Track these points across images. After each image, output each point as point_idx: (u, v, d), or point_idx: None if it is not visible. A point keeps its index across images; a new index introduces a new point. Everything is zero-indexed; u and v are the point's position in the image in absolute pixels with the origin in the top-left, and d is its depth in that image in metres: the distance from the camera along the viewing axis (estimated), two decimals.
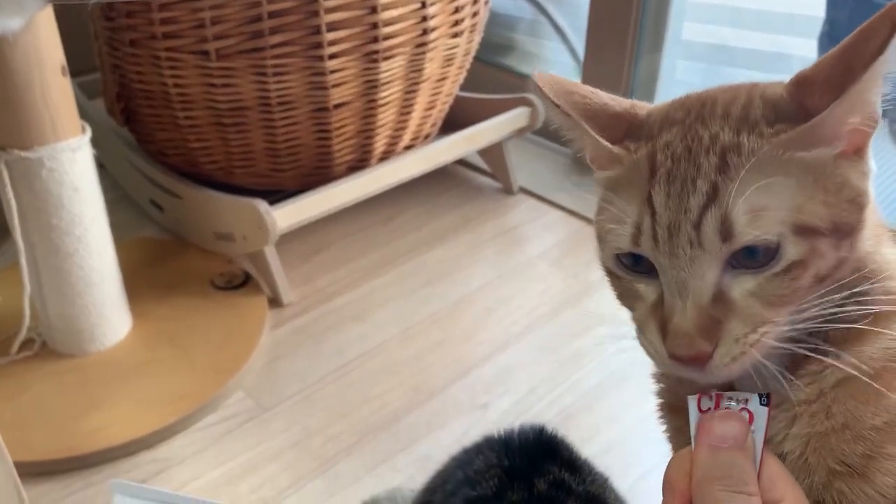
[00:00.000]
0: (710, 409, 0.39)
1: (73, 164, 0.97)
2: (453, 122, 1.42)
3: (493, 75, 1.70)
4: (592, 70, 1.53)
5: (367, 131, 1.24)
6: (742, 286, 0.37)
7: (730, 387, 0.41)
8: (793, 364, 0.40)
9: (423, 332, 1.18)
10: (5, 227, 1.00)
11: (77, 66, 0.97)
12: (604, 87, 0.46)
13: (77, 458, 0.94)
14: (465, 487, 0.55)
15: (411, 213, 1.46)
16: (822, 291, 0.38)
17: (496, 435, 0.60)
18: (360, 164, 1.28)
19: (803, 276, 0.37)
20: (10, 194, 0.95)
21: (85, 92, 1.43)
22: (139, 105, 1.24)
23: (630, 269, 0.41)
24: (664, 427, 0.47)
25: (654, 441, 1.10)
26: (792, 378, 0.39)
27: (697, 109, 0.40)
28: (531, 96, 1.43)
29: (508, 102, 1.44)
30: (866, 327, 0.39)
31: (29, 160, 0.94)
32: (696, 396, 0.40)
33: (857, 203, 0.38)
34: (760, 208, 0.36)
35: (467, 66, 1.37)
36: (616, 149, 0.42)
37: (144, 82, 1.18)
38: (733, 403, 0.39)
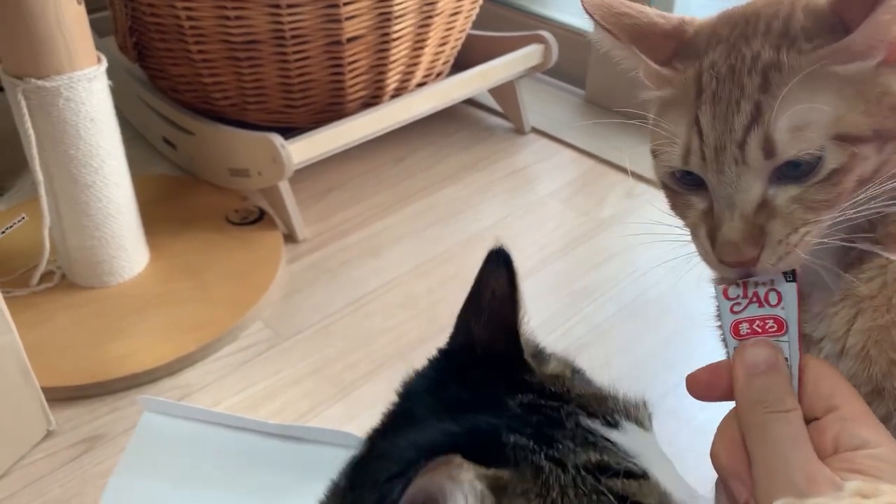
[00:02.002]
0: (738, 295, 0.41)
1: (90, 94, 0.97)
2: (465, 62, 1.41)
3: (505, 15, 1.68)
4: None
5: (379, 66, 1.23)
6: (786, 194, 0.39)
7: None
8: (858, 261, 0.42)
9: (436, 268, 1.19)
10: (25, 161, 1.01)
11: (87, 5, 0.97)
12: None
13: (101, 384, 0.96)
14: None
15: (423, 152, 1.46)
16: (871, 190, 0.39)
17: None
18: (372, 100, 1.28)
19: (845, 180, 0.39)
20: (28, 124, 0.95)
21: (95, 30, 1.42)
22: (151, 39, 1.23)
23: (683, 184, 0.43)
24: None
25: (663, 370, 1.12)
26: (847, 275, 0.41)
27: (742, 26, 0.41)
28: (544, 34, 1.41)
29: (521, 40, 1.42)
30: None
31: (45, 89, 0.94)
32: (723, 287, 0.42)
33: None
34: (802, 125, 0.38)
35: (480, 0, 1.36)
36: (665, 70, 0.43)
37: (157, 15, 1.17)
38: (760, 288, 0.40)
